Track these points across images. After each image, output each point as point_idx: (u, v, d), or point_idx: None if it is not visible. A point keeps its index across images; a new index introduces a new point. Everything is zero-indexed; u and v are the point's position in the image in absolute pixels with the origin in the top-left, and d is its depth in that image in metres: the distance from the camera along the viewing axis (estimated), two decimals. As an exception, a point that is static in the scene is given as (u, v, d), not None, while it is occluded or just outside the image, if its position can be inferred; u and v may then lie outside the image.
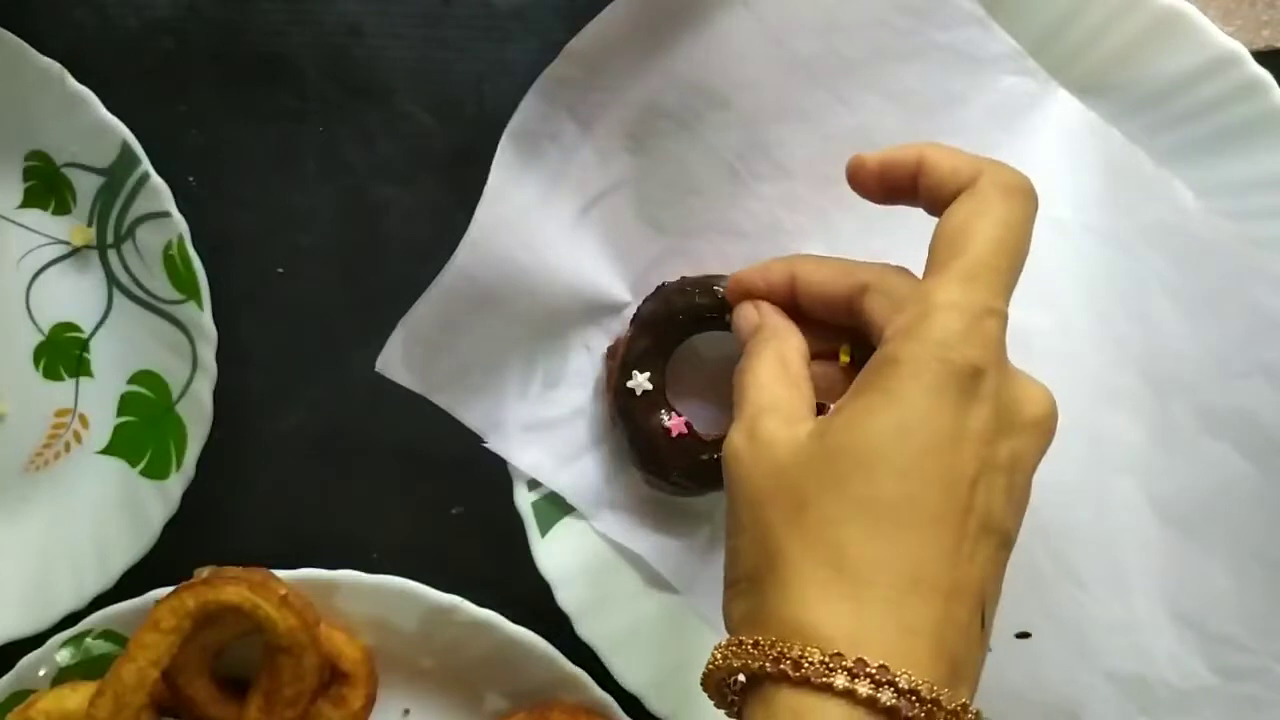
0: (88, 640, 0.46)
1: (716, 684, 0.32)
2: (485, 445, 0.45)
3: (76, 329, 0.48)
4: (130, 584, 0.46)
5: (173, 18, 0.47)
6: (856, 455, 0.30)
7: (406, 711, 0.48)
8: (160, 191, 0.45)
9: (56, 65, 0.45)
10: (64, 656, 0.46)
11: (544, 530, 0.45)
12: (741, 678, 0.30)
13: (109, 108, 0.45)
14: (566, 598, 0.45)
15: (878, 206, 0.44)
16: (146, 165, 0.45)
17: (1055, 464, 0.44)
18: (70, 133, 0.46)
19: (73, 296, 0.48)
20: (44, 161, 0.47)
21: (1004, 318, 0.31)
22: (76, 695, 0.45)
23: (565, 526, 0.46)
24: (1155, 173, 0.43)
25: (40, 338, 0.48)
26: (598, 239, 0.45)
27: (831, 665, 0.28)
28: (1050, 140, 0.43)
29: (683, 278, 0.44)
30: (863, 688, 0.28)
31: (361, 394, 0.46)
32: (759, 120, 0.43)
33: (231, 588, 0.43)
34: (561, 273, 0.44)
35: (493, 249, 0.42)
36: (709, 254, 0.45)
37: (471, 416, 0.45)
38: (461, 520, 0.49)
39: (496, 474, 0.45)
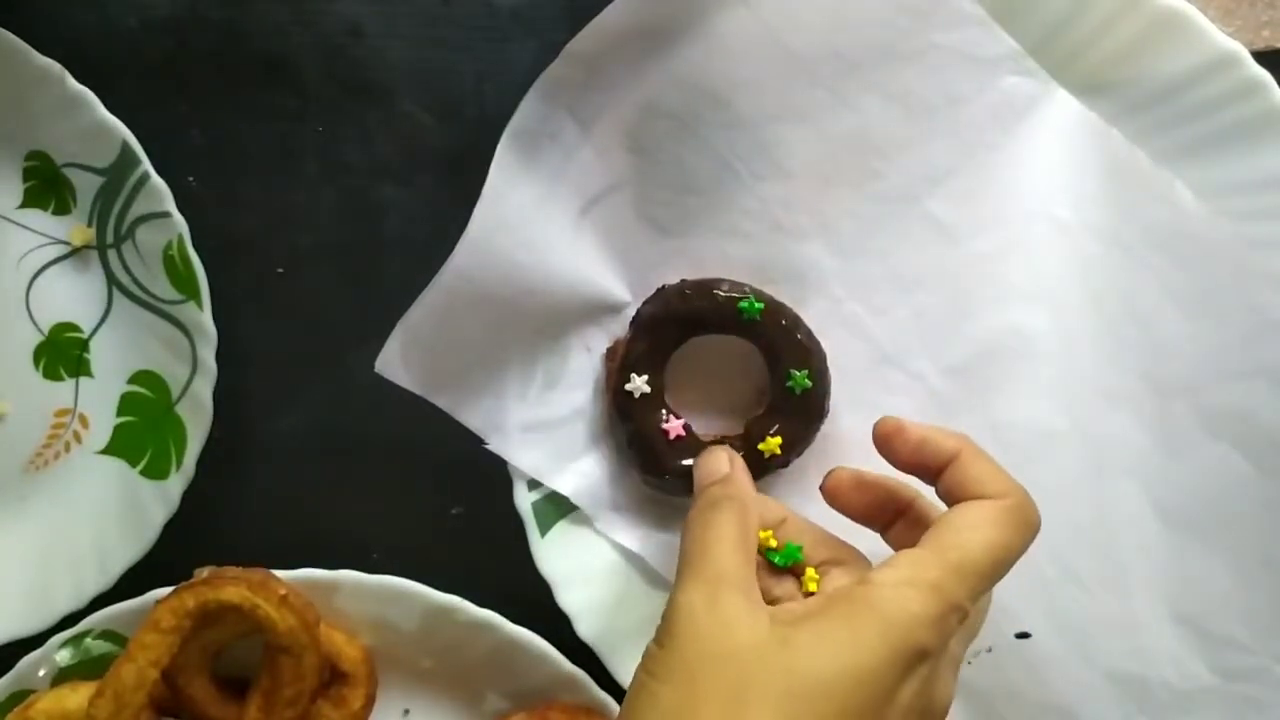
0: (87, 640, 0.46)
1: None
2: (485, 445, 0.45)
3: (76, 329, 0.48)
4: (130, 584, 0.46)
5: (173, 18, 0.47)
6: (809, 678, 0.32)
7: (406, 711, 0.48)
8: (160, 191, 0.45)
9: (56, 65, 0.45)
10: (64, 656, 0.46)
11: (544, 530, 0.45)
12: None
13: (109, 108, 0.45)
14: (566, 598, 0.45)
15: (877, 208, 0.44)
16: (146, 165, 0.45)
17: (1056, 465, 0.44)
18: (70, 133, 0.46)
19: (73, 296, 0.48)
20: (44, 161, 0.47)
21: (966, 617, 0.34)
22: (76, 695, 0.45)
23: (565, 526, 0.46)
24: (1155, 173, 0.43)
25: (40, 338, 0.48)
26: (598, 239, 0.45)
27: None
28: (1050, 140, 0.43)
29: (683, 281, 0.44)
30: None
31: (361, 394, 0.46)
32: (759, 120, 0.43)
33: (231, 588, 0.43)
34: (561, 273, 0.44)
35: (492, 249, 0.42)
36: (709, 254, 0.45)
37: (471, 417, 0.45)
38: (461, 520, 0.49)
39: (496, 474, 0.45)
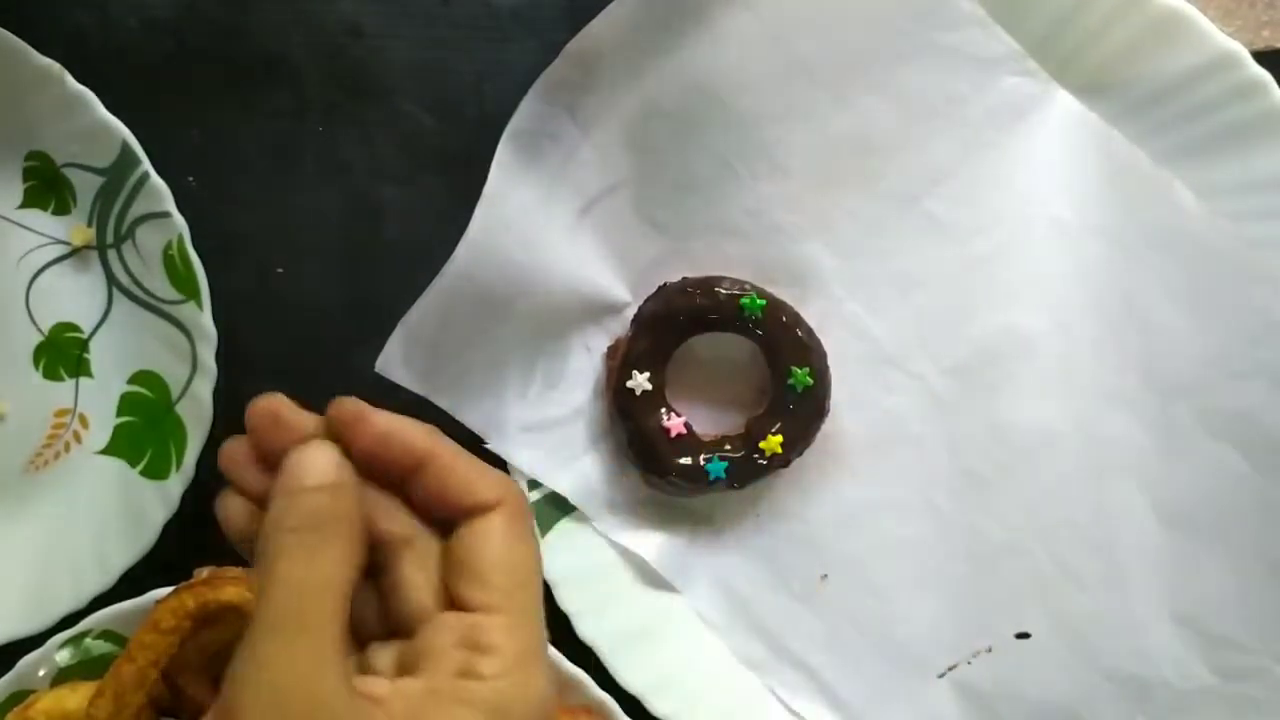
0: (87, 640, 0.46)
1: None
2: (485, 445, 0.45)
3: (76, 329, 0.48)
4: (130, 584, 0.46)
5: (173, 18, 0.47)
6: None
7: (406, 711, 0.48)
8: (160, 191, 0.45)
9: (56, 65, 0.45)
10: (64, 657, 0.46)
11: (544, 530, 0.45)
12: None
13: (109, 108, 0.45)
14: (566, 598, 0.45)
15: (877, 208, 0.44)
16: (146, 165, 0.45)
17: (1055, 465, 0.44)
18: (70, 133, 0.46)
19: (73, 296, 0.48)
20: (44, 161, 0.47)
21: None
22: (76, 695, 0.45)
23: (565, 526, 0.46)
24: (1155, 173, 0.43)
25: (40, 338, 0.48)
26: (598, 239, 0.45)
27: None
28: (1050, 141, 0.43)
29: (684, 278, 0.44)
30: None
31: (361, 394, 0.46)
32: (759, 120, 0.43)
33: (231, 588, 0.43)
34: (561, 273, 0.44)
35: (493, 249, 0.42)
36: (709, 254, 0.45)
37: (472, 417, 0.45)
38: (461, 520, 0.49)
39: (496, 474, 0.45)
